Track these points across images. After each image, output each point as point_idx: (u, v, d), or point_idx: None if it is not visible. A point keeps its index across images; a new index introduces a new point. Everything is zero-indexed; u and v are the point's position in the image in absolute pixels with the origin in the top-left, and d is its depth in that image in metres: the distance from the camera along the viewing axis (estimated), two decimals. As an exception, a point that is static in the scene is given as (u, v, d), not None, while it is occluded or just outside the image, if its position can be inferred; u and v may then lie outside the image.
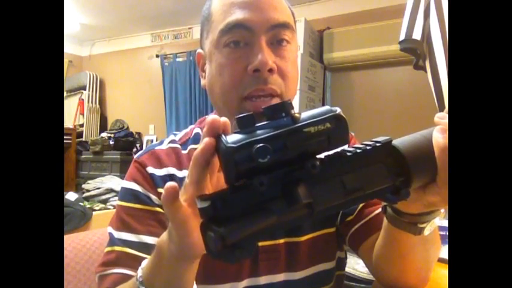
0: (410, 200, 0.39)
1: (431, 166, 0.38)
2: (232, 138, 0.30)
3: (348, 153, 0.33)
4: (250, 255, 0.29)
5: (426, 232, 0.45)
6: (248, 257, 0.29)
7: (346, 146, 0.34)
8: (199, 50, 0.66)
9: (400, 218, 0.46)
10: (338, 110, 0.32)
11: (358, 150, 0.34)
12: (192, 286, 0.44)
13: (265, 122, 0.31)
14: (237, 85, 0.56)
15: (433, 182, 0.39)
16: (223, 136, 0.31)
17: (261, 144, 0.29)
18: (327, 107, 0.32)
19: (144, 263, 0.45)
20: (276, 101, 0.57)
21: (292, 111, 0.31)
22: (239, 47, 0.57)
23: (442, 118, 0.40)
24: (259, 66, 0.54)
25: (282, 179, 0.31)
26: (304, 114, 0.31)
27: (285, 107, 0.31)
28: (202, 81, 0.66)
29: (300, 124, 0.31)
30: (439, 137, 0.38)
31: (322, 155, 0.33)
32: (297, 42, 0.65)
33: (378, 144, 0.34)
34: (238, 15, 0.56)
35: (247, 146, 0.29)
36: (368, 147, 0.34)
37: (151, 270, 0.44)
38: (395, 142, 0.37)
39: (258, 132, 0.30)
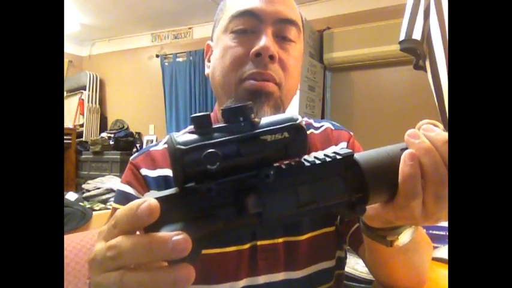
0: (369, 215, 0.38)
1: (391, 186, 0.35)
2: (183, 139, 0.28)
3: (307, 164, 0.32)
4: (196, 260, 0.27)
5: (399, 245, 0.43)
6: (193, 262, 0.27)
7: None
8: (208, 42, 0.68)
9: (369, 230, 0.44)
10: (299, 119, 0.30)
11: (317, 161, 0.32)
12: None
13: (222, 125, 0.29)
14: (237, 68, 0.57)
15: (391, 202, 0.36)
16: (174, 135, 0.29)
17: (210, 150, 0.27)
18: (289, 115, 0.31)
19: None
20: (272, 86, 0.57)
21: (252, 116, 0.30)
22: (246, 34, 0.58)
23: (413, 137, 0.35)
24: (261, 50, 0.55)
25: (234, 186, 0.30)
26: (264, 121, 0.30)
27: (244, 110, 0.30)
28: (206, 71, 0.66)
29: (256, 131, 0.29)
30: (407, 164, 0.34)
31: (281, 163, 0.31)
32: (302, 45, 0.65)
33: (338, 157, 0.33)
34: (249, 3, 0.58)
35: (197, 149, 0.27)
36: (328, 159, 0.33)
37: None
38: (357, 156, 0.35)
39: (214, 135, 0.28)
